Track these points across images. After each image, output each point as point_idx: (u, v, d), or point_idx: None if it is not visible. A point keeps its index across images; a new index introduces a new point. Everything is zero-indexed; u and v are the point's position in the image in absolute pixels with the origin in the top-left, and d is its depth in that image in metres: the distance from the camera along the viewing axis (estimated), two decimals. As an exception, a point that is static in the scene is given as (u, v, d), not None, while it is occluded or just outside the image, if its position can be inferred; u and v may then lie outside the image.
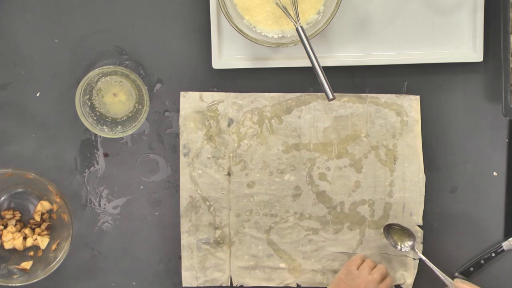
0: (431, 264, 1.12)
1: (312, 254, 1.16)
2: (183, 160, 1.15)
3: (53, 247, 1.14)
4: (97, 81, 1.13)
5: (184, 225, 1.16)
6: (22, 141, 1.16)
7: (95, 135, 1.16)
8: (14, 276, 1.12)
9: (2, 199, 1.16)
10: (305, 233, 1.16)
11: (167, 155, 1.17)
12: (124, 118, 1.15)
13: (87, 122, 1.11)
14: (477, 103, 1.16)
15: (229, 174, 1.15)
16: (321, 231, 1.16)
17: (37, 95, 1.16)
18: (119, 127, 1.14)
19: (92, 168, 1.17)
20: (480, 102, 1.16)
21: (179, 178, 1.16)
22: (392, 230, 1.14)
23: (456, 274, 1.17)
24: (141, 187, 1.17)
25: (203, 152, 1.15)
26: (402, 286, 1.16)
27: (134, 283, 1.19)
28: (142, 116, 1.12)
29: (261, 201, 1.16)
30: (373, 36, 1.13)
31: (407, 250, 1.13)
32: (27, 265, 1.13)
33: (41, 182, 1.11)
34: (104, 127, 1.13)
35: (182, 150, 1.15)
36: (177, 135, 1.16)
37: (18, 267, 1.14)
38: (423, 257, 1.13)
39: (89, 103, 1.13)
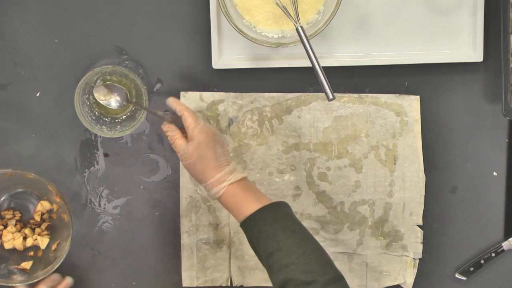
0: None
1: (312, 254, 1.16)
2: (183, 160, 1.15)
3: (53, 247, 1.14)
4: (96, 80, 1.13)
5: (184, 225, 1.16)
6: (22, 141, 1.16)
7: (95, 135, 1.16)
8: (14, 276, 1.12)
9: (2, 199, 1.16)
10: (305, 233, 1.16)
11: (167, 155, 1.17)
12: (123, 117, 1.15)
13: (86, 122, 1.11)
14: (477, 103, 1.16)
15: (229, 174, 1.15)
16: (321, 231, 1.16)
17: (37, 95, 1.16)
18: (118, 126, 1.13)
19: (92, 168, 1.17)
20: (480, 102, 1.16)
21: (179, 178, 1.16)
22: None
23: (456, 274, 1.17)
24: (141, 187, 1.17)
25: (203, 152, 1.15)
26: (402, 286, 1.16)
27: (134, 283, 1.19)
28: (141, 115, 1.12)
29: (261, 201, 1.16)
30: (373, 36, 1.13)
31: None
32: (27, 265, 1.13)
33: (41, 182, 1.11)
34: (103, 126, 1.13)
35: (182, 150, 1.15)
36: (177, 135, 1.16)
37: (18, 267, 1.14)
38: None
39: (88, 103, 1.13)
